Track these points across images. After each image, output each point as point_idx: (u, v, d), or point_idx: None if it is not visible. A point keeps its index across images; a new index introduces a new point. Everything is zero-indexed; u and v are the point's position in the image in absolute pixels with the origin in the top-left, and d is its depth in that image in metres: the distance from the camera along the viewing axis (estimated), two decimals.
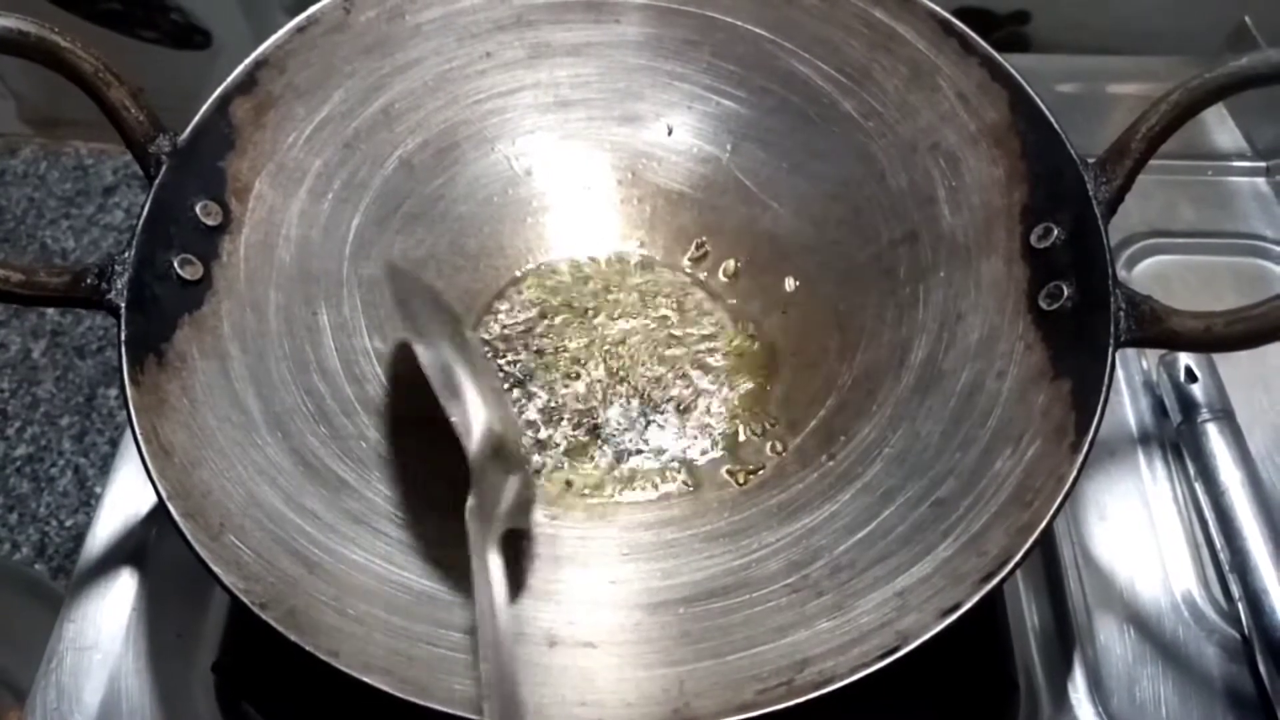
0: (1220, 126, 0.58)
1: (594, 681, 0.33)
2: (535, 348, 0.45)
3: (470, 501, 0.33)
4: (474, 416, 0.35)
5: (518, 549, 0.38)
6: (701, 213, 0.47)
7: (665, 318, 0.45)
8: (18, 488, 0.97)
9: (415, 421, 0.40)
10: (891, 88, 0.44)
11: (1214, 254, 0.52)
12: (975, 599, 0.31)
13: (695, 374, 0.44)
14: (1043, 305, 0.37)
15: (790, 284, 0.45)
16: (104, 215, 1.14)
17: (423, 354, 0.35)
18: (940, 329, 0.40)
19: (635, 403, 0.43)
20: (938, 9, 0.43)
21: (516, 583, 0.36)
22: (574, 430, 0.43)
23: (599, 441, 0.42)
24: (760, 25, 0.46)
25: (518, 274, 0.47)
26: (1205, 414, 0.44)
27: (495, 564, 0.33)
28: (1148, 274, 0.52)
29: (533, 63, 0.47)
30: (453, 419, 0.34)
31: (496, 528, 0.34)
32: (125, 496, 0.45)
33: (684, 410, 0.43)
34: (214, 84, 0.41)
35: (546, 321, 0.45)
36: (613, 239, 0.48)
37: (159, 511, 0.33)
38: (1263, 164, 0.56)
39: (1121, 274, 0.51)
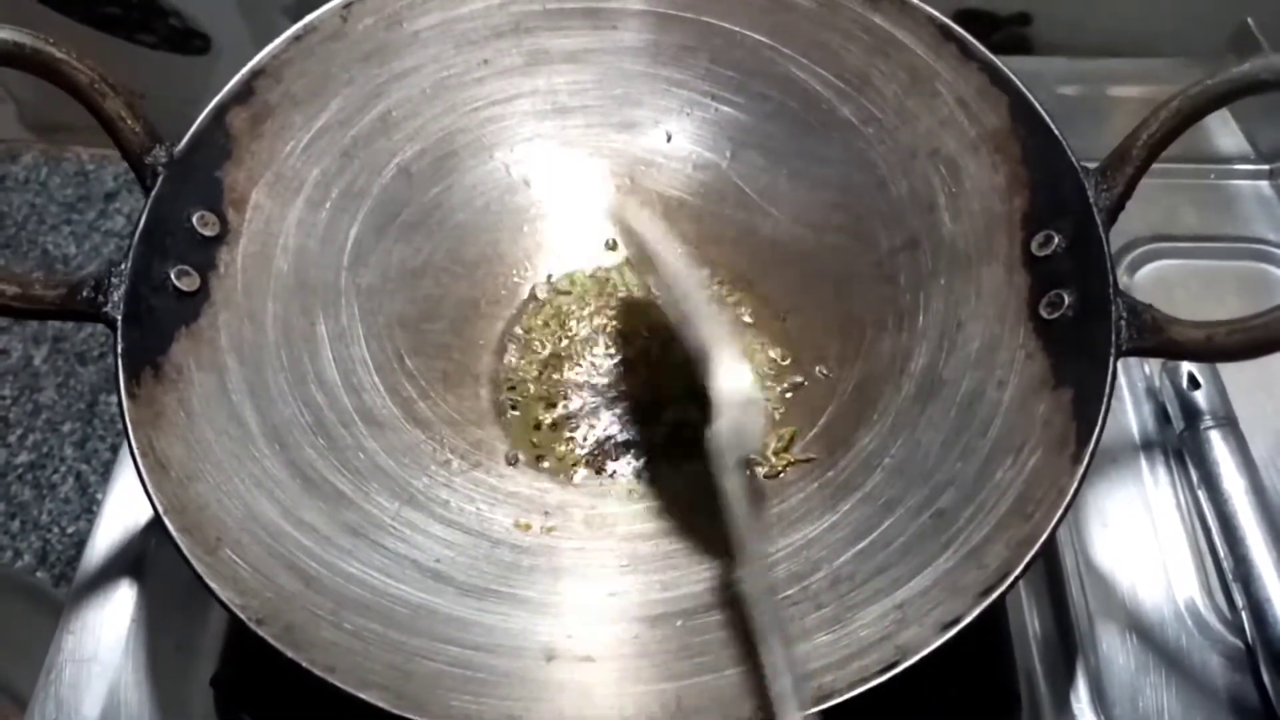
0: (1223, 129, 0.57)
1: (592, 696, 0.33)
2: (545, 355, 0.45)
3: (716, 428, 0.34)
4: (717, 347, 0.35)
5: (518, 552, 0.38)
6: (700, 219, 0.47)
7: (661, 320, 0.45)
8: (19, 495, 0.97)
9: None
10: (890, 93, 0.43)
11: (1217, 258, 0.52)
12: (975, 613, 0.31)
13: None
14: (1043, 314, 0.37)
15: (789, 291, 0.45)
16: (105, 221, 1.14)
17: (668, 289, 0.38)
18: (941, 337, 0.40)
19: (634, 408, 0.43)
20: (936, 14, 0.42)
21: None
22: (579, 434, 0.43)
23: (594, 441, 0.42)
24: (758, 31, 0.46)
25: (530, 288, 0.46)
26: (1208, 421, 0.43)
27: (739, 485, 0.34)
28: (1150, 278, 0.51)
29: (530, 70, 0.47)
30: (696, 348, 0.36)
31: (735, 454, 0.34)
32: (125, 506, 0.45)
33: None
34: (214, 89, 0.41)
35: (548, 329, 0.45)
36: (611, 246, 0.47)
37: (157, 523, 0.33)
38: (1266, 167, 0.56)
39: (1123, 278, 0.50)
